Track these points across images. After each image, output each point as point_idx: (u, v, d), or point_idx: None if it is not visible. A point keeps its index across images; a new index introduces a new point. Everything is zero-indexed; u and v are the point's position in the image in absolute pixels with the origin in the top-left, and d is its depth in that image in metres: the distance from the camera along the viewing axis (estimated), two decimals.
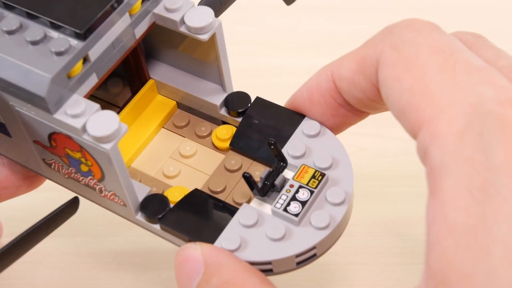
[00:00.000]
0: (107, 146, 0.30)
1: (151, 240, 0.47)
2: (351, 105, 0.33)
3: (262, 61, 0.58)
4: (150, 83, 0.38)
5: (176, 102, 0.38)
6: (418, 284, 0.26)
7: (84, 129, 0.30)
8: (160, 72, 0.38)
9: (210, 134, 0.37)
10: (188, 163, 0.36)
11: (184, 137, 0.38)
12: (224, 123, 0.37)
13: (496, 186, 0.23)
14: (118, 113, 0.37)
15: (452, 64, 0.27)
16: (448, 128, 0.25)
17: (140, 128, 0.37)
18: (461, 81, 0.26)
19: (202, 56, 0.36)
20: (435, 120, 0.26)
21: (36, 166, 0.36)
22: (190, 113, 0.38)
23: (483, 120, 0.25)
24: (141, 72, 0.38)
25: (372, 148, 0.51)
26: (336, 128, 0.35)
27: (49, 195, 0.46)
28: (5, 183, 0.38)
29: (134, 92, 0.38)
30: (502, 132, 0.24)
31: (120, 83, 0.38)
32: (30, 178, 0.38)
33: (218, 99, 0.37)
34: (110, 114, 0.30)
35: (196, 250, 0.30)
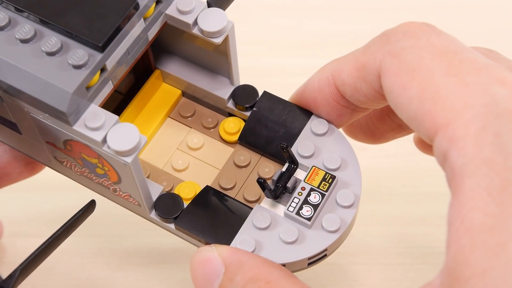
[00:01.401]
0: (128, 160, 0.30)
1: (151, 240, 0.47)
2: (355, 104, 0.33)
3: (263, 61, 0.57)
4: (156, 73, 0.38)
5: (181, 91, 0.38)
6: (433, 278, 0.26)
7: (104, 141, 0.30)
8: (167, 63, 0.38)
9: (216, 125, 0.37)
10: (196, 156, 0.36)
11: (190, 127, 0.37)
12: (231, 115, 0.37)
13: None
14: (122, 100, 0.37)
15: (457, 65, 0.27)
16: (465, 131, 0.25)
17: (147, 118, 0.37)
18: (471, 81, 0.26)
19: (211, 49, 0.36)
20: (451, 124, 0.26)
21: (46, 161, 0.35)
22: (195, 102, 0.38)
23: (499, 120, 0.25)
24: (147, 62, 0.37)
25: (372, 148, 0.51)
26: (343, 124, 0.35)
27: (49, 195, 0.46)
28: (8, 169, 0.38)
29: (138, 79, 0.38)
30: None
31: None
32: (32, 164, 0.38)
33: (225, 92, 0.36)
34: (130, 126, 0.29)
35: (213, 251, 0.31)
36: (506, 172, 0.24)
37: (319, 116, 0.35)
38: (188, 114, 0.38)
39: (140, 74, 0.38)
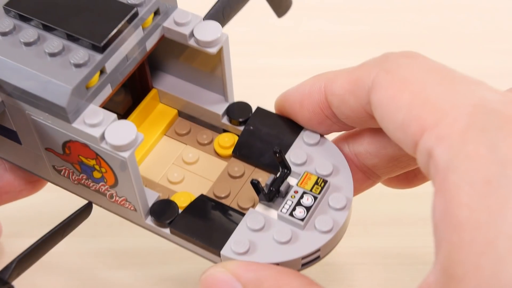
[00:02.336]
0: (125, 154, 0.30)
1: (151, 240, 0.47)
2: (338, 118, 0.33)
3: (262, 61, 0.58)
4: (152, 92, 0.39)
5: (177, 110, 0.39)
6: (427, 276, 0.26)
7: (102, 137, 0.31)
8: (162, 82, 0.39)
9: (211, 141, 0.38)
10: (192, 170, 0.37)
11: (186, 144, 0.38)
12: (225, 131, 0.38)
13: (501, 179, 0.24)
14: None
15: (450, 79, 0.27)
16: (451, 128, 0.25)
17: (143, 136, 0.38)
18: (461, 89, 0.26)
19: (205, 66, 0.37)
20: (438, 123, 0.26)
21: (44, 172, 0.36)
22: (191, 121, 0.39)
23: (486, 117, 0.25)
24: (144, 82, 0.38)
25: None
26: (322, 132, 0.36)
27: (50, 195, 0.46)
28: (8, 188, 0.38)
29: (136, 100, 0.39)
30: (506, 127, 0.24)
31: (122, 92, 0.39)
32: (32, 183, 0.39)
33: (220, 108, 0.37)
34: (127, 123, 0.31)
35: (223, 272, 0.30)
36: (491, 165, 0.24)
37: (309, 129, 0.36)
38: (184, 132, 0.38)
39: (138, 94, 0.39)
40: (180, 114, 0.39)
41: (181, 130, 0.39)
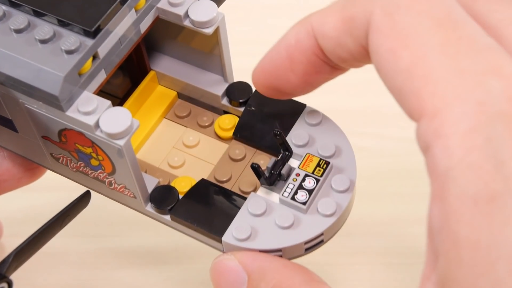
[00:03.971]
0: (121, 142, 0.30)
1: (151, 240, 0.47)
2: (334, 62, 0.30)
3: None
4: (151, 74, 0.38)
5: (177, 92, 0.39)
6: (425, 281, 0.26)
7: (97, 125, 0.30)
8: (160, 64, 0.38)
9: (212, 123, 0.37)
10: (192, 153, 0.37)
11: (186, 127, 0.38)
12: (226, 112, 0.37)
13: (504, 197, 0.22)
14: (119, 104, 0.38)
15: (455, 43, 0.24)
16: (453, 128, 0.23)
17: (142, 119, 0.38)
18: (466, 68, 0.24)
19: (203, 47, 0.36)
20: (438, 114, 0.24)
21: (43, 160, 0.36)
22: (191, 103, 0.38)
23: (493, 123, 0.23)
24: (142, 64, 0.38)
25: (372, 148, 0.51)
26: (318, 83, 0.32)
27: (50, 195, 0.46)
28: (6, 176, 0.38)
29: (134, 83, 0.38)
30: None
31: (121, 75, 0.39)
32: (31, 170, 0.38)
33: (219, 89, 0.37)
34: (122, 110, 0.30)
35: (232, 260, 0.30)
36: (495, 182, 0.22)
37: (313, 108, 0.35)
38: (184, 114, 0.38)
39: (136, 77, 0.38)
40: (180, 95, 0.39)
41: (181, 112, 0.38)
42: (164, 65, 0.38)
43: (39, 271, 0.46)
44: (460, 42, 0.24)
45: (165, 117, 0.38)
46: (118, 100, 0.38)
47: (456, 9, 0.25)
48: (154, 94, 0.39)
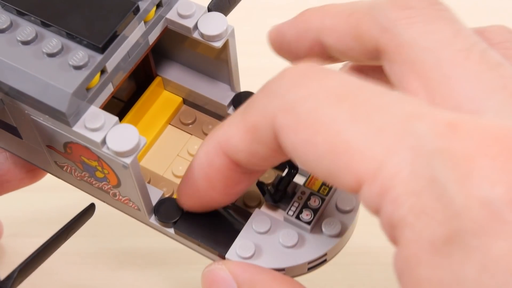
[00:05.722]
0: (128, 160, 0.30)
1: (151, 240, 0.47)
2: (251, 169, 0.30)
3: (263, 61, 0.57)
4: (157, 80, 0.38)
5: (182, 98, 0.38)
6: None
7: (103, 142, 0.30)
8: (167, 70, 0.38)
9: None
10: None
11: (191, 134, 0.38)
12: None
13: (461, 234, 0.21)
14: (124, 107, 0.37)
15: (361, 109, 0.24)
16: (395, 180, 0.23)
17: (147, 125, 0.37)
18: (383, 125, 0.23)
19: (211, 55, 0.36)
20: (376, 175, 0.23)
21: (47, 166, 0.35)
22: (196, 110, 0.38)
23: (431, 163, 0.22)
24: (148, 69, 0.38)
25: None
26: (242, 191, 0.32)
27: (50, 195, 0.46)
28: (8, 177, 0.37)
29: (139, 87, 0.38)
30: (455, 170, 0.22)
31: (126, 80, 0.38)
32: (33, 171, 0.38)
33: (226, 98, 0.36)
34: (129, 128, 0.30)
35: (223, 270, 0.30)
36: (449, 221, 0.21)
37: None
38: (189, 121, 0.38)
39: (141, 81, 0.38)
40: (185, 101, 0.38)
41: (186, 119, 0.38)
42: (170, 71, 0.38)
43: (39, 271, 0.46)
44: (365, 106, 0.24)
45: (170, 124, 0.38)
46: (123, 103, 0.38)
47: (346, 79, 0.25)
48: (159, 99, 0.38)
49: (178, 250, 0.46)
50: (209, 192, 0.31)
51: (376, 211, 0.23)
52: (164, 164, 0.37)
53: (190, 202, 0.32)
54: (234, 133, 0.28)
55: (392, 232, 0.23)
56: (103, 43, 0.30)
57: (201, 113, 0.38)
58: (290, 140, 0.25)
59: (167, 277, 0.45)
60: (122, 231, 0.47)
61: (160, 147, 0.37)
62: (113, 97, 0.39)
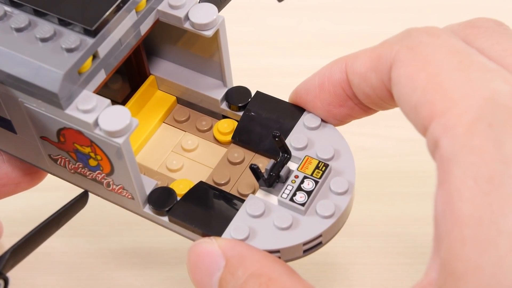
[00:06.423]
0: (120, 140, 0.30)
1: (151, 240, 0.47)
2: (359, 99, 0.33)
3: (262, 61, 0.58)
4: (150, 79, 0.38)
5: (176, 97, 0.39)
6: (427, 271, 0.26)
7: (96, 124, 0.30)
8: (160, 68, 0.39)
9: (211, 128, 0.38)
10: (191, 157, 0.37)
11: (185, 131, 0.38)
12: (225, 117, 0.38)
13: (504, 177, 0.23)
14: None
15: (467, 64, 0.27)
16: (459, 120, 0.25)
17: (141, 123, 0.38)
18: (475, 77, 0.26)
19: (203, 51, 0.37)
20: (447, 112, 0.26)
21: (41, 162, 0.36)
22: (190, 108, 0.39)
23: (495, 112, 0.25)
24: (141, 69, 0.38)
25: (372, 148, 0.51)
26: (341, 119, 0.35)
27: (50, 195, 0.46)
28: (5, 180, 0.38)
29: (133, 88, 0.38)
30: None
31: (120, 79, 0.39)
32: (30, 175, 0.38)
33: (218, 93, 0.37)
34: (121, 109, 0.30)
35: (212, 244, 0.30)
36: (495, 162, 0.24)
37: (311, 113, 0.35)
38: (183, 119, 0.38)
39: (135, 81, 0.38)
40: (179, 100, 0.39)
41: (180, 117, 0.38)
42: (163, 69, 0.39)
43: (39, 271, 0.46)
44: (472, 63, 0.27)
45: (164, 122, 0.38)
46: (117, 104, 0.38)
47: (468, 46, 0.28)
48: (153, 98, 0.39)
49: (178, 250, 0.46)
50: (315, 100, 0.34)
51: (434, 147, 0.26)
52: (159, 159, 0.37)
53: (295, 98, 0.35)
54: (360, 57, 0.32)
55: (442, 168, 0.25)
56: (95, 26, 0.31)
57: (194, 111, 0.38)
58: (399, 72, 0.29)
59: (167, 277, 0.45)
60: (121, 231, 0.47)
61: (154, 144, 0.38)
62: (108, 98, 0.39)
